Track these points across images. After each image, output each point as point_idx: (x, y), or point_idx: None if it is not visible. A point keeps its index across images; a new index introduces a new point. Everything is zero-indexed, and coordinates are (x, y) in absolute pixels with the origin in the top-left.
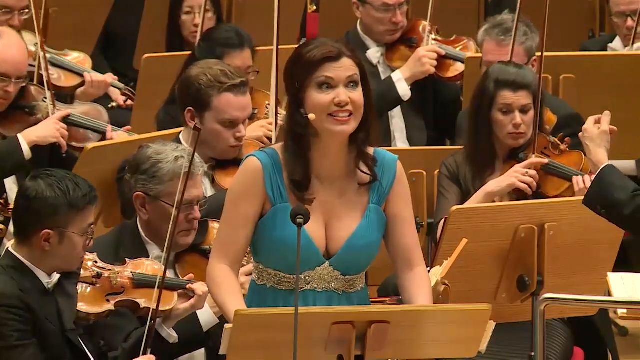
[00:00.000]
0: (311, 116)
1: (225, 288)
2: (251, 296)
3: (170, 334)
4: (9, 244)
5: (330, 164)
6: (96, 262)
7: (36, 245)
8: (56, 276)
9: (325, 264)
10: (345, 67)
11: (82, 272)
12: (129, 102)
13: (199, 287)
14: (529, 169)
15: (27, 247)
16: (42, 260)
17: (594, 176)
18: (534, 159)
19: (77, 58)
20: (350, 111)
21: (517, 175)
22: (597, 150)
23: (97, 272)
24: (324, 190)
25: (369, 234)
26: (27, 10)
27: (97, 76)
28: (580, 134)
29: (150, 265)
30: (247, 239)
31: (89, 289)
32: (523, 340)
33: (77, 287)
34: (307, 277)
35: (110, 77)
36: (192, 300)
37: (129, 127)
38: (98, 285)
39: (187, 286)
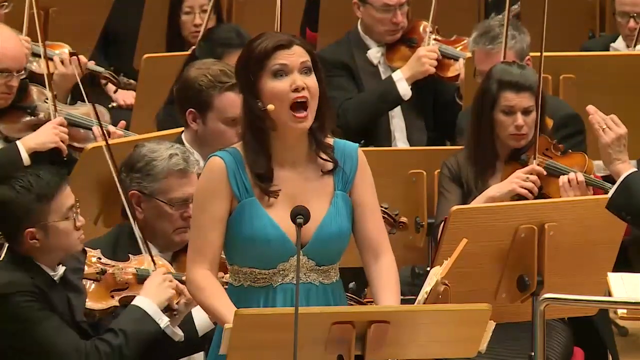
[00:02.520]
0: (270, 107)
1: (209, 292)
2: (232, 298)
3: (176, 332)
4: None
5: (291, 154)
6: (100, 258)
7: (27, 245)
8: (61, 268)
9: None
10: (298, 54)
11: (86, 268)
12: (129, 101)
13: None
14: (530, 174)
15: (21, 249)
16: (40, 256)
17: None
18: (534, 166)
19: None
20: (306, 97)
21: (518, 181)
22: (614, 162)
23: (101, 269)
24: (288, 181)
25: (339, 220)
26: (6, 4)
27: (67, 55)
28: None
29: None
30: (220, 239)
31: (93, 286)
32: (523, 340)
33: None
34: (283, 271)
35: (85, 59)
36: (182, 298)
37: (123, 122)
38: (102, 282)
39: None
